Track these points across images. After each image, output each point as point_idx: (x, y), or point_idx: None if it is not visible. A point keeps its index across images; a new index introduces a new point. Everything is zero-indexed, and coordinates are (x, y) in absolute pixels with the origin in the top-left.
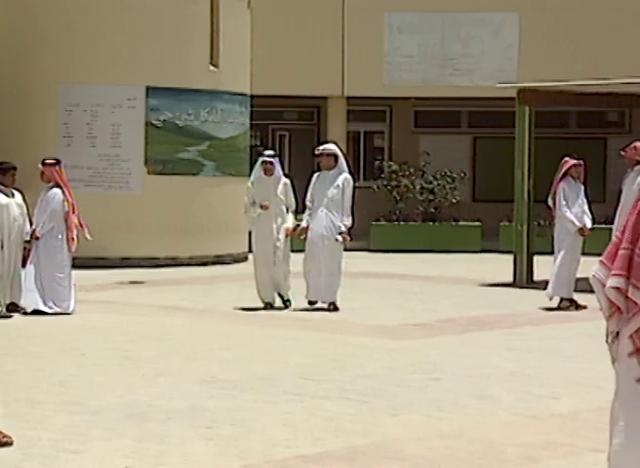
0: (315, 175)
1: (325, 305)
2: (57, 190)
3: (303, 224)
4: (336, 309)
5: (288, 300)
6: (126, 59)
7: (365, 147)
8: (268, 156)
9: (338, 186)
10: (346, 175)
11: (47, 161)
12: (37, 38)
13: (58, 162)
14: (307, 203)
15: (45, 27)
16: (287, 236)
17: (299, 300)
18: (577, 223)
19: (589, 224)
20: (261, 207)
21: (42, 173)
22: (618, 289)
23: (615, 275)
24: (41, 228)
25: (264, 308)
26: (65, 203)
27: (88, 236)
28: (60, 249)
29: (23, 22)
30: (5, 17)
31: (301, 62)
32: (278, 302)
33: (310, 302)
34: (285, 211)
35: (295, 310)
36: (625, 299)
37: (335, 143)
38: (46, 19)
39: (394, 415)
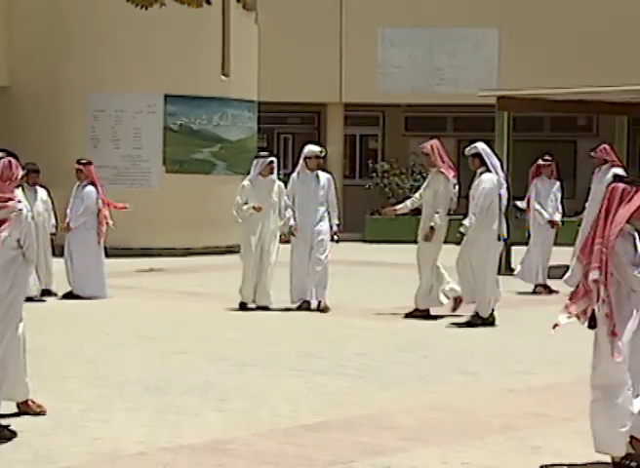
0: (295, 175)
1: (315, 304)
2: (92, 188)
3: (291, 222)
4: (326, 308)
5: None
6: (146, 70)
7: (360, 149)
8: (268, 157)
9: (323, 187)
10: (327, 174)
11: (83, 161)
12: (68, 52)
13: (90, 162)
14: (288, 203)
15: (75, 42)
16: (281, 241)
17: (280, 300)
18: (545, 215)
19: (557, 218)
20: (254, 208)
21: (78, 171)
22: (596, 280)
23: (595, 268)
24: (75, 221)
25: (241, 308)
26: (99, 200)
27: (111, 224)
28: (93, 240)
29: (56, 38)
30: (39, 34)
31: (303, 72)
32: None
33: (299, 303)
34: (278, 213)
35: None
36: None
37: (318, 144)
38: (76, 35)
39: (387, 389)
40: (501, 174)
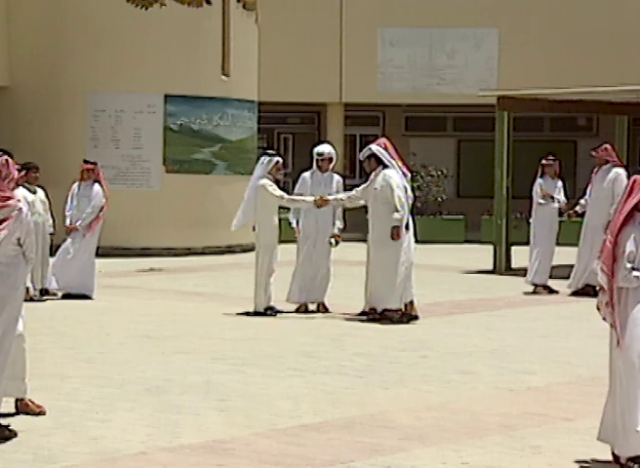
0: (307, 175)
1: (314, 307)
2: (99, 188)
3: (294, 224)
4: (326, 310)
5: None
6: (146, 70)
7: (360, 149)
8: (275, 156)
9: (332, 189)
10: (338, 177)
11: (92, 161)
12: (68, 53)
13: (97, 162)
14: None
15: (75, 43)
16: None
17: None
18: (561, 200)
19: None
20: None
21: (89, 170)
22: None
23: (597, 258)
24: (83, 221)
25: (266, 314)
26: (104, 199)
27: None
28: (92, 239)
29: (56, 39)
30: (40, 34)
31: (303, 72)
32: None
33: (300, 307)
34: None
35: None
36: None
37: (330, 144)
38: (75, 36)
39: (386, 389)
40: (399, 170)
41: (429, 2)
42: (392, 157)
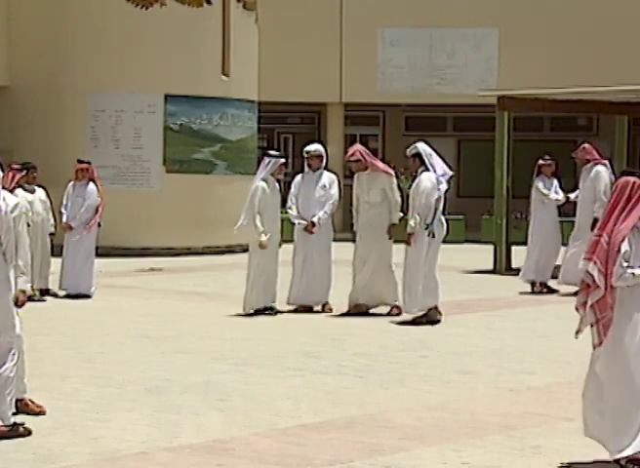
0: (299, 176)
1: (318, 307)
2: (93, 187)
3: (303, 222)
4: (330, 310)
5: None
6: (146, 70)
7: None
8: (280, 157)
9: (324, 186)
10: (330, 173)
11: (86, 160)
12: (68, 53)
13: (90, 161)
14: (291, 203)
15: (75, 44)
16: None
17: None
18: (560, 197)
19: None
20: (261, 245)
21: (83, 170)
22: (586, 270)
23: (584, 258)
24: (77, 220)
25: (260, 313)
26: (99, 198)
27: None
28: (90, 238)
29: (56, 38)
30: (40, 34)
31: (304, 72)
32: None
33: (299, 307)
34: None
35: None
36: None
37: (321, 144)
38: (75, 36)
39: (386, 389)
40: (446, 172)
41: (429, 2)
42: (374, 160)
